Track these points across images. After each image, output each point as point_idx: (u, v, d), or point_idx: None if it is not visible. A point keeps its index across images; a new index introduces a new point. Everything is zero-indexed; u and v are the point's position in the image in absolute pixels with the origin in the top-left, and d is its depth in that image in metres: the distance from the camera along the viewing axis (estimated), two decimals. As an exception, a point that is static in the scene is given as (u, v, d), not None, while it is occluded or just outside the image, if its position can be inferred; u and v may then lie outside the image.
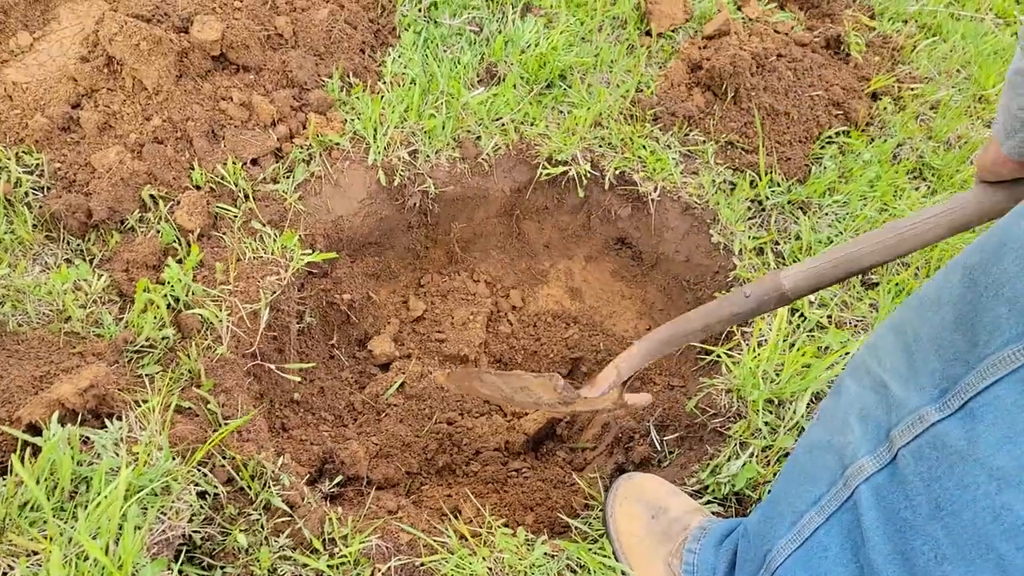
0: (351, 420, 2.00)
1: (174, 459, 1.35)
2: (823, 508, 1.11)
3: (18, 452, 1.24)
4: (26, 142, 1.84)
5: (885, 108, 2.38)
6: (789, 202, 2.14)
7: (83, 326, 1.67)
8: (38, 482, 1.21)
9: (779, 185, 2.16)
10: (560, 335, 2.27)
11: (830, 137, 2.28)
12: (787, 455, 1.72)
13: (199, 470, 1.42)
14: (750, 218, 2.13)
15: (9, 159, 1.80)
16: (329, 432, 1.89)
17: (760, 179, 2.13)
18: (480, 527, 1.60)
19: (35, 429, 1.38)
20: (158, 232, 1.82)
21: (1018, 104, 1.13)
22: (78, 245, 1.80)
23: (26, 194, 1.79)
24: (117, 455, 1.32)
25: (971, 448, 0.87)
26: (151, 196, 1.84)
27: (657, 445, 1.92)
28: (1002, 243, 0.87)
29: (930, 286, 1.00)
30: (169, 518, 1.28)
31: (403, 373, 2.09)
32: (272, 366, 1.77)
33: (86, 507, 1.19)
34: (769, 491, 1.27)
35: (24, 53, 1.95)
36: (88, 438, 1.36)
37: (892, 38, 2.64)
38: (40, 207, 1.79)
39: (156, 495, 1.28)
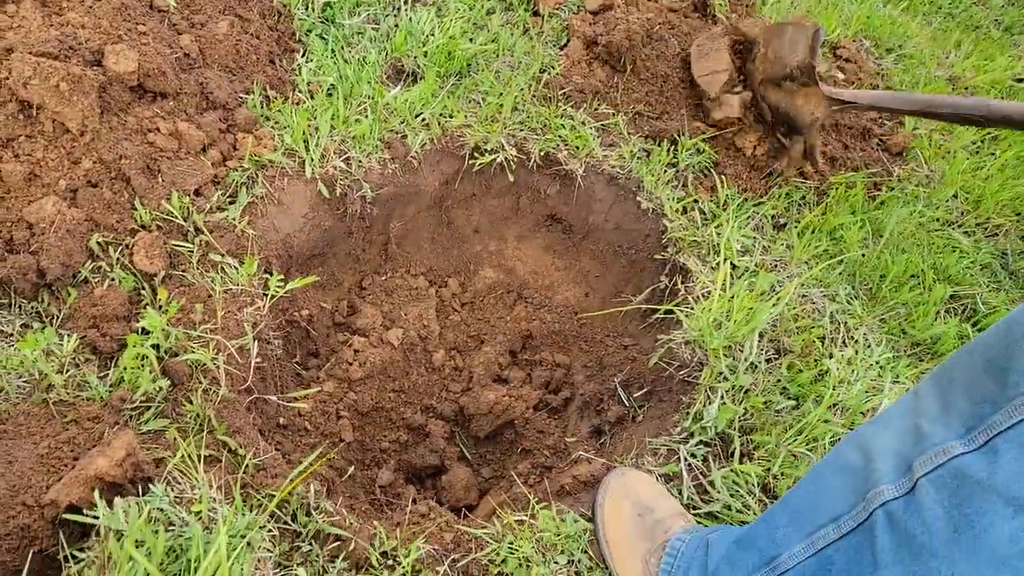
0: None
1: (251, 512, 1.35)
2: (840, 526, 1.17)
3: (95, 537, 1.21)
4: (-57, 205, 1.68)
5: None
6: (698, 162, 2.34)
7: (67, 392, 1.59)
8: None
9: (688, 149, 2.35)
10: (507, 314, 2.37)
11: (720, 96, 2.49)
12: (746, 392, 1.94)
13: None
14: (668, 181, 2.30)
15: (-70, 227, 1.65)
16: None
17: (679, 143, 2.31)
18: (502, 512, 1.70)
19: (75, 509, 1.33)
20: (117, 281, 1.74)
21: None
22: (32, 307, 1.69)
23: (-40, 262, 1.66)
24: (187, 523, 1.31)
25: (991, 479, 0.94)
26: (99, 243, 1.75)
27: (626, 402, 2.09)
28: None
29: (972, 341, 1.10)
30: (259, 570, 1.29)
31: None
32: (275, 398, 1.76)
33: (193, 572, 1.19)
34: (783, 499, 1.40)
35: (-89, 106, 1.76)
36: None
37: (746, -6, 2.89)
38: (-19, 274, 1.66)
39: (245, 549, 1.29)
